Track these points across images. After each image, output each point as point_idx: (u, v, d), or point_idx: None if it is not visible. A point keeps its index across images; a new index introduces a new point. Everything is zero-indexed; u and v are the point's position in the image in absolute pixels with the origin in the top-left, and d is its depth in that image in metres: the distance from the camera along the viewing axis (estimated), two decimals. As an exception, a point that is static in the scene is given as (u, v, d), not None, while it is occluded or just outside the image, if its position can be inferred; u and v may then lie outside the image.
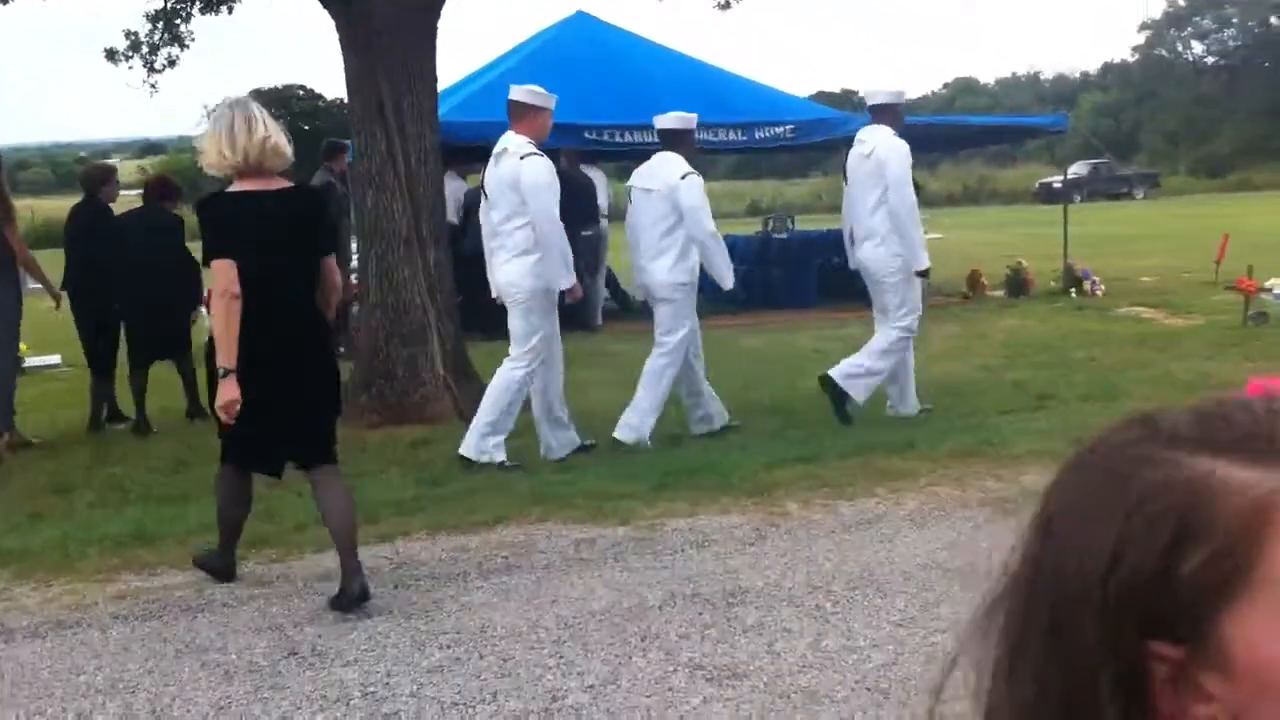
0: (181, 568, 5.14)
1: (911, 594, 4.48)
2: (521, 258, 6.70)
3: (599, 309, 14.03)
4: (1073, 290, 14.49)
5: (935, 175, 60.10)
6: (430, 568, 5.05)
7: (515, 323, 6.79)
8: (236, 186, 4.58)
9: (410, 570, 5.02)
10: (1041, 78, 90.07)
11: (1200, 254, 15.62)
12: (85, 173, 9.45)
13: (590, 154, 13.86)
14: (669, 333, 7.20)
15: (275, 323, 4.52)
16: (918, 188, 7.60)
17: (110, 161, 9.74)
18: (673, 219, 7.15)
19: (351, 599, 4.52)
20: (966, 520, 5.36)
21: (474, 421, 6.85)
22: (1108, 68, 77.15)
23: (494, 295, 6.99)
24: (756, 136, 13.65)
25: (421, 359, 8.30)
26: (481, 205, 7.13)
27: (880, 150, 7.35)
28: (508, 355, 6.87)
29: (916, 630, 4.13)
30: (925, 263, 7.52)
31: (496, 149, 6.85)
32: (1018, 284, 15.19)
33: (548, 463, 6.87)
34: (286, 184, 4.73)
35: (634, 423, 7.19)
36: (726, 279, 7.48)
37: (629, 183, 7.69)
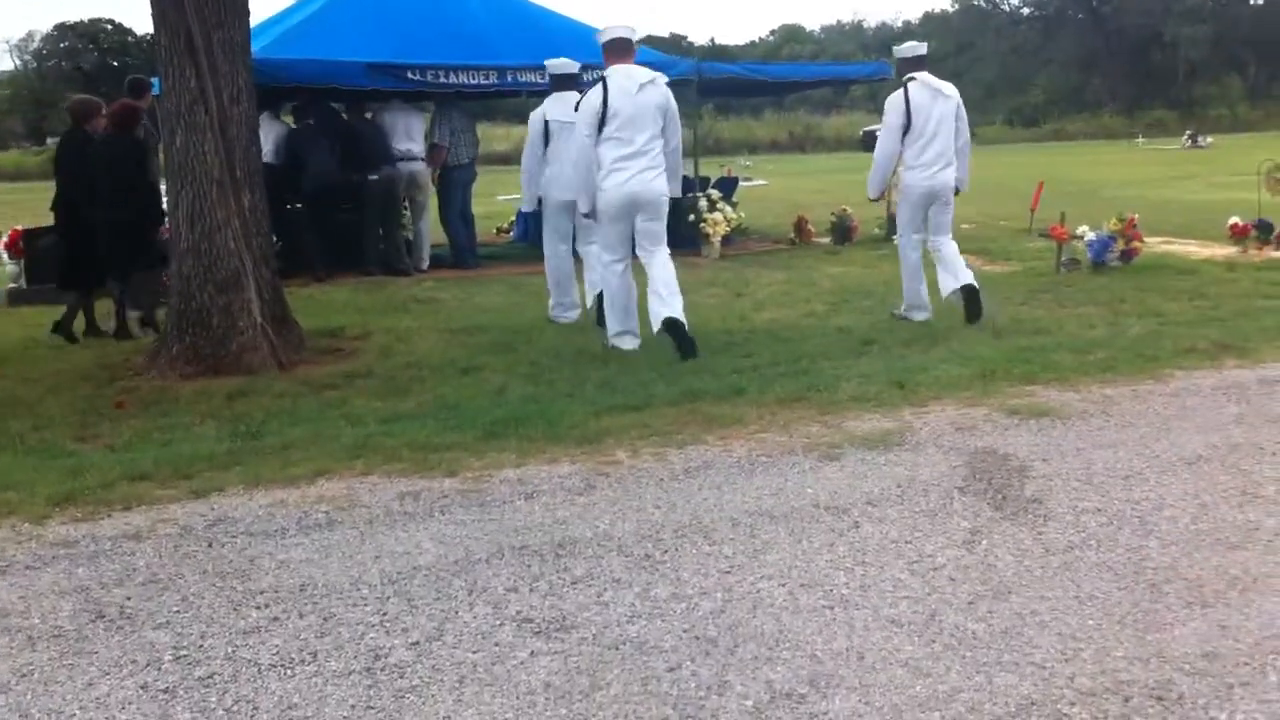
0: (-23, 529, 4.86)
1: (739, 541, 4.48)
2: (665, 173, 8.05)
3: (425, 255, 13.77)
4: (895, 237, 14.77)
5: (761, 122, 60.87)
6: (246, 524, 4.85)
7: (659, 227, 8.08)
8: None
9: (226, 527, 4.82)
10: (865, 26, 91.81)
11: (1017, 202, 16.12)
12: (73, 106, 10.22)
13: (414, 95, 13.53)
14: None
15: None
16: None
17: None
18: None
19: None
20: (793, 466, 5.40)
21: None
22: (929, 17, 79.03)
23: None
24: (584, 79, 13.50)
25: (237, 307, 7.92)
26: (606, 126, 7.87)
27: (955, 95, 9.05)
28: (655, 254, 8.07)
29: (744, 577, 4.13)
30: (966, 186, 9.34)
31: (642, 80, 7.88)
32: (843, 231, 15.44)
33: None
34: None
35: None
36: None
37: (552, 117, 9.33)
